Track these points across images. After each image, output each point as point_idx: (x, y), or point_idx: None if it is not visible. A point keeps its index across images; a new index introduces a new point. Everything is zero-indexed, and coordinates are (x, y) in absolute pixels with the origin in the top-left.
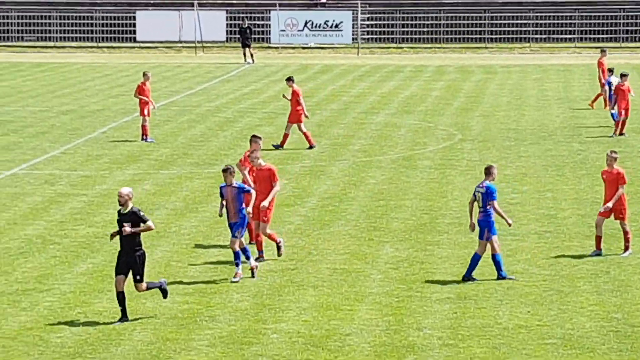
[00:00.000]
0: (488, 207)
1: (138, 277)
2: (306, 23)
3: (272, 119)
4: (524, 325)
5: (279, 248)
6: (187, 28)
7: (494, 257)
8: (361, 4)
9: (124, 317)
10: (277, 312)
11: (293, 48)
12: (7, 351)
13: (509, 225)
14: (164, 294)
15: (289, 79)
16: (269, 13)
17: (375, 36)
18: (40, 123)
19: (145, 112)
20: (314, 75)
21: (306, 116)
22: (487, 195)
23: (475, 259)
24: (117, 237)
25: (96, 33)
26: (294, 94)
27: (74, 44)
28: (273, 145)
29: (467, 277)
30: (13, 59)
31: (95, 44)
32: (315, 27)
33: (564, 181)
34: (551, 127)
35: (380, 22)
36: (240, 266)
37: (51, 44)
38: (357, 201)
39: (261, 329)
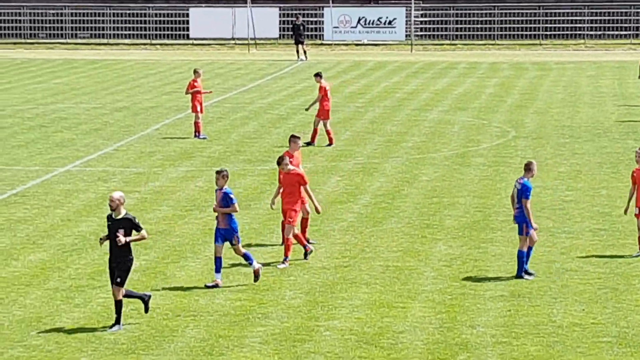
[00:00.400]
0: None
1: (119, 280)
2: (359, 20)
3: None
4: (578, 323)
5: (306, 254)
6: (240, 25)
7: (520, 252)
8: (415, 0)
9: (117, 324)
10: (329, 310)
11: (346, 45)
12: (60, 347)
13: (534, 229)
14: (146, 307)
15: (318, 75)
16: (322, 10)
17: (428, 33)
18: (93, 120)
19: (198, 108)
20: (367, 72)
21: (319, 115)
22: (522, 193)
23: (521, 256)
24: (107, 243)
25: (149, 30)
26: (322, 89)
27: (127, 41)
28: (304, 144)
29: (520, 275)
30: (67, 56)
31: (148, 41)
32: (369, 23)
33: (619, 178)
34: (606, 124)
35: (433, 19)
36: (252, 263)
37: (105, 41)
38: (410, 198)
39: (314, 326)
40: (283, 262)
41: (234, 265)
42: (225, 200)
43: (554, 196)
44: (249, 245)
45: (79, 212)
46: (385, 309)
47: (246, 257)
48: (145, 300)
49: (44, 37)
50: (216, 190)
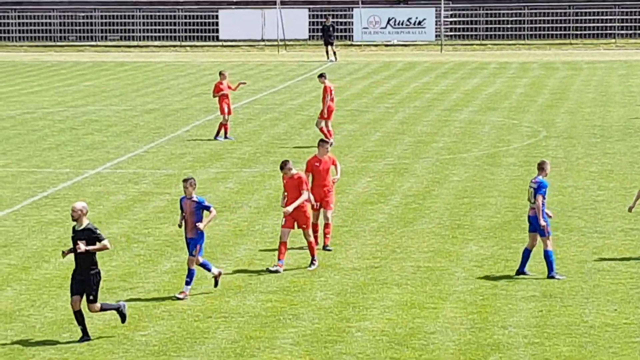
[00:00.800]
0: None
1: (91, 298)
2: (389, 20)
3: (355, 117)
4: (610, 323)
5: (312, 262)
6: (269, 26)
7: (526, 250)
8: (444, 0)
9: (84, 336)
10: (360, 310)
11: (376, 45)
12: (92, 349)
13: (542, 226)
14: (122, 318)
15: (321, 75)
16: (352, 11)
17: (458, 33)
18: (124, 122)
19: (226, 110)
20: (397, 73)
21: (322, 115)
22: (537, 191)
23: (548, 256)
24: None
25: (179, 32)
26: (325, 90)
27: (157, 43)
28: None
29: (551, 275)
30: (97, 58)
31: (178, 43)
32: (398, 24)
33: None
34: (637, 124)
35: (463, 19)
36: (190, 285)
37: (134, 43)
38: (440, 199)
39: (345, 327)
40: (311, 264)
41: (264, 266)
42: (200, 210)
43: (585, 196)
44: (271, 250)
45: (110, 214)
46: (416, 309)
47: (204, 266)
48: (121, 310)
49: (74, 40)
50: (182, 199)
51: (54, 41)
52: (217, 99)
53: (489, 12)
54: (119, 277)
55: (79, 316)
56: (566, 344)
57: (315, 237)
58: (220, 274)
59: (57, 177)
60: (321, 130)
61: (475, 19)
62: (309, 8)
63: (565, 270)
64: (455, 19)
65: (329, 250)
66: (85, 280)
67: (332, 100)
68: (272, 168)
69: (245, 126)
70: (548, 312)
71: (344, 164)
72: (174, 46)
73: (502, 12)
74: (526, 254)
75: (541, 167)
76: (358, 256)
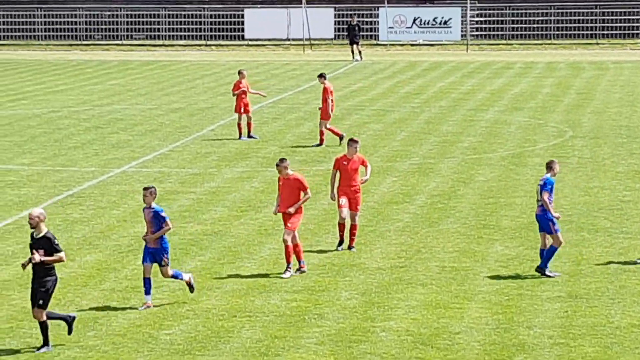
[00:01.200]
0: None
1: (41, 302)
2: (415, 20)
3: (381, 117)
4: (636, 324)
5: (299, 269)
6: (295, 25)
7: (541, 251)
8: (470, 0)
9: (45, 345)
10: (385, 310)
11: (401, 45)
12: (117, 348)
13: (557, 217)
14: (69, 329)
15: (321, 75)
16: (377, 10)
17: (484, 32)
18: (149, 121)
19: (242, 109)
20: (423, 72)
21: (329, 116)
22: (542, 187)
23: (550, 251)
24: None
25: (205, 31)
26: (325, 91)
27: (182, 42)
28: (314, 145)
29: (540, 268)
30: (122, 57)
31: (203, 42)
32: (424, 23)
33: None
34: None
35: (489, 19)
36: (150, 295)
37: (160, 42)
38: (466, 199)
39: (370, 327)
40: (299, 270)
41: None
42: (157, 219)
43: (611, 196)
44: (304, 245)
45: (135, 213)
46: (441, 309)
47: (175, 276)
48: (69, 321)
49: (100, 39)
50: (144, 209)
51: (80, 40)
52: (235, 97)
53: (515, 11)
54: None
55: (43, 327)
56: (592, 344)
57: (341, 236)
58: (190, 279)
59: (83, 175)
60: (330, 130)
61: (502, 18)
62: (335, 7)
63: (591, 270)
64: (481, 19)
65: (353, 250)
66: (40, 287)
67: (332, 101)
68: (297, 167)
69: (270, 125)
70: (574, 312)
71: (369, 163)
72: (200, 45)
73: (528, 11)
74: (543, 254)
75: (549, 166)
76: (383, 256)
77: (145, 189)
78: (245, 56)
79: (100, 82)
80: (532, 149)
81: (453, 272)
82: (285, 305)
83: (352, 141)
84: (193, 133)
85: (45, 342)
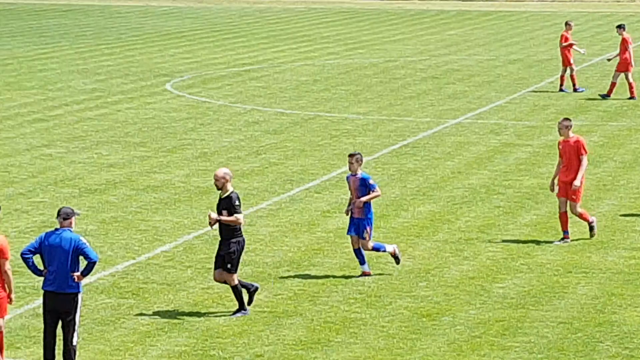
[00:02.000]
0: None
1: (229, 266)
2: None
3: None
4: None
5: (591, 228)
6: None
7: None
8: None
9: (241, 309)
10: None
11: None
12: (449, 299)
13: None
14: (250, 299)
15: (620, 26)
16: None
17: None
18: (486, 72)
19: (572, 61)
20: None
21: (631, 65)
22: None
23: None
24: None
25: None
26: (624, 41)
27: None
28: (600, 95)
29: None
30: (461, 7)
31: None
32: None
33: None
34: None
35: None
36: (365, 264)
37: None
38: None
39: None
40: (563, 240)
41: (628, 223)
42: (364, 187)
43: None
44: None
45: (470, 164)
46: None
47: (377, 249)
48: (251, 290)
49: None
50: (348, 177)
51: None
52: (562, 49)
53: None
54: (477, 229)
55: (236, 291)
56: None
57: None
58: (395, 251)
59: (418, 126)
60: (611, 85)
61: None
62: None
63: None
64: None
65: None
66: (225, 249)
67: (628, 52)
68: (638, 123)
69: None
70: None
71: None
72: None
73: None
74: None
75: None
76: None
77: (350, 155)
78: (587, 7)
79: (438, 32)
80: None
81: None
82: (623, 263)
83: (564, 120)
84: (531, 85)
85: (241, 307)
